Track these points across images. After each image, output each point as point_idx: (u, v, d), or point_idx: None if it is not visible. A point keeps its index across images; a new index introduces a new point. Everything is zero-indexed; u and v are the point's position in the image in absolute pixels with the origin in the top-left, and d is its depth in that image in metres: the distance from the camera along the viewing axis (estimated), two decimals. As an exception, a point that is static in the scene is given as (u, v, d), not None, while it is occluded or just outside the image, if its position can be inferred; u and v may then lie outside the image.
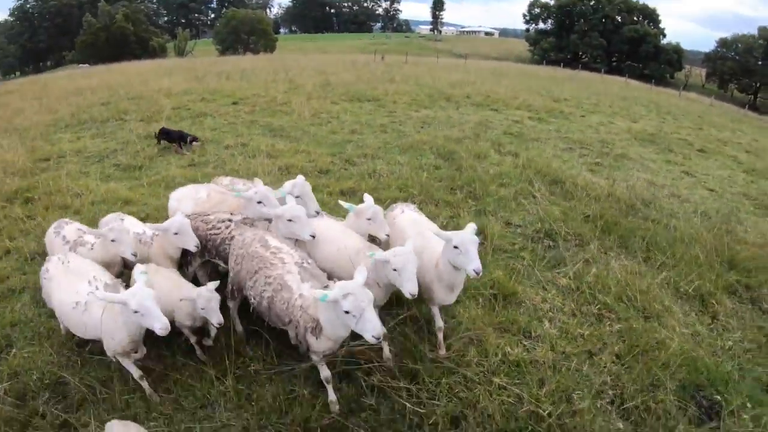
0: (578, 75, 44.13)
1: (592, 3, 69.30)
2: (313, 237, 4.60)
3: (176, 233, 4.68)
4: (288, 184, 5.21)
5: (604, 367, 4.93)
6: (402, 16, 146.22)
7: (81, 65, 54.97)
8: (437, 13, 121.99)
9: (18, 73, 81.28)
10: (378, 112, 16.20)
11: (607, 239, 7.41)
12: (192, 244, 4.69)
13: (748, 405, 4.69)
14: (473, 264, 4.00)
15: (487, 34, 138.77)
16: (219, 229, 4.96)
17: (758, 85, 66.53)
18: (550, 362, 4.88)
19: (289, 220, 4.62)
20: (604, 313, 5.72)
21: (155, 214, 7.55)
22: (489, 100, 19.95)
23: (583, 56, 70.81)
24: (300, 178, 5.34)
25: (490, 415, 4.26)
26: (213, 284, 4.52)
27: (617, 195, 9.20)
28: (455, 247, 4.07)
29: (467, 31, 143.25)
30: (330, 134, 12.91)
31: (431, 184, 9.09)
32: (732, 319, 5.95)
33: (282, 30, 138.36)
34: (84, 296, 4.13)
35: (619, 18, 70.82)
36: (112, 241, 4.68)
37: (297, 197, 5.11)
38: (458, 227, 7.26)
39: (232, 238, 4.78)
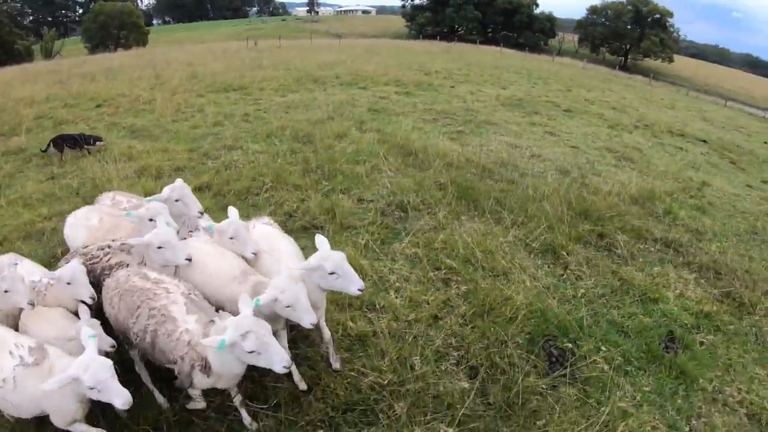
0: (453, 47, 45.56)
1: (467, -24, 71.03)
2: (189, 260, 4.16)
3: (69, 283, 3.99)
4: (166, 190, 4.79)
5: (450, 329, 5.05)
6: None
7: None
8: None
9: None
10: (243, 101, 15.71)
11: (459, 204, 7.60)
12: (87, 295, 3.98)
13: (602, 348, 5.01)
14: (356, 284, 3.81)
15: (364, 12, 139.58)
16: (98, 257, 4.42)
17: (628, 47, 71.98)
18: (393, 331, 4.93)
19: (160, 247, 4.14)
20: (451, 277, 5.83)
21: (13, 235, 6.78)
22: (358, 79, 20.01)
23: (459, 29, 73.05)
24: (178, 181, 4.91)
25: (333, 391, 4.26)
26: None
27: (474, 160, 9.53)
28: (331, 273, 3.80)
29: (344, 11, 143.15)
30: (192, 129, 12.21)
31: (285, 169, 8.83)
32: (584, 268, 6.33)
33: (155, 21, 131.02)
34: (9, 371, 3.42)
35: (493, -10, 73.29)
36: (6, 291, 3.91)
37: (177, 201, 4.79)
38: (308, 210, 7.29)
39: (112, 267, 4.30)
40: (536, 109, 16.45)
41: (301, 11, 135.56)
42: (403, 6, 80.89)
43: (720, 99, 43.82)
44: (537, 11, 76.25)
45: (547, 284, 5.92)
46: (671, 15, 71.01)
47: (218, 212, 6.97)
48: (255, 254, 4.38)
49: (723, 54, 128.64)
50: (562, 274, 6.22)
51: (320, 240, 4.01)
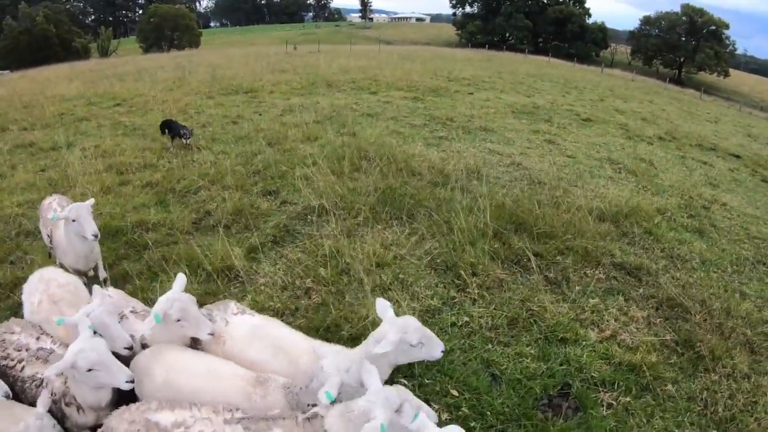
0: (496, 56, 44.21)
1: (518, -15, 69.54)
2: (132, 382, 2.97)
3: None
4: (67, 209, 4.25)
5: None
6: (334, 4, 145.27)
7: (2, 72, 51.47)
8: (366, 0, 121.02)
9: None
10: (247, 103, 15.43)
11: (383, 212, 6.83)
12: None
13: (451, 393, 4.01)
14: (440, 346, 3.10)
15: (418, 19, 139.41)
16: (13, 361, 3.32)
17: (682, 60, 68.42)
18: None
19: (90, 370, 2.86)
20: (314, 287, 5.25)
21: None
22: (372, 84, 19.35)
23: (510, 38, 71.15)
24: (85, 203, 4.33)
25: None
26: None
27: (436, 166, 8.57)
28: (413, 345, 3.01)
29: (398, 18, 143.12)
30: None
31: (233, 171, 8.47)
32: (489, 292, 5.30)
33: (213, 24, 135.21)
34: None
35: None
36: None
37: (74, 221, 4.22)
38: (224, 210, 6.93)
39: (25, 381, 3.23)
40: (549, 117, 15.14)
41: (356, 17, 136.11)
42: (454, 14, 79.79)
43: (776, 117, 40.59)
44: (589, 21, 73.73)
45: (428, 307, 4.99)
46: (727, 27, 67.34)
47: (156, 206, 7.27)
48: (212, 334, 3.26)
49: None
50: (454, 297, 5.17)
51: (383, 306, 3.16)
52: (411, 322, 3.02)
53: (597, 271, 5.82)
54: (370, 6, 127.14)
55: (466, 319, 4.83)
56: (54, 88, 20.81)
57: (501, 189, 7.89)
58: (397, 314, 3.12)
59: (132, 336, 3.33)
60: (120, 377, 2.80)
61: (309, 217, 6.79)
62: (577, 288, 5.47)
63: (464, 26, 74.85)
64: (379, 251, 5.75)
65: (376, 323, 4.17)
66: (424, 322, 4.50)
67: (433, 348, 3.04)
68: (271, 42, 65.86)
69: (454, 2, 79.59)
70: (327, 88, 18.53)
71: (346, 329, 4.51)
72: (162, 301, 3.18)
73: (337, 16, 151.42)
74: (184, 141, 10.18)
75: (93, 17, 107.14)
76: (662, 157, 12.68)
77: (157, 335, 3.28)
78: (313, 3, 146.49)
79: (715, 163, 13.33)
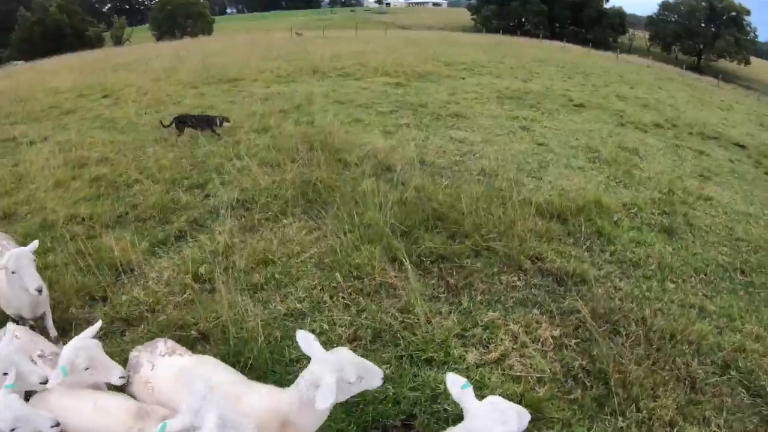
0: (507, 41, 42.85)
1: (534, -31, 67.56)
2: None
3: None
4: (5, 257, 3.66)
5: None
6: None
7: (16, 63, 51.73)
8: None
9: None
10: (227, 93, 14.90)
11: (302, 205, 6.39)
12: None
13: None
14: (379, 373, 2.73)
15: (435, 4, 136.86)
16: None
17: (701, 46, 65.91)
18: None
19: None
20: (191, 283, 4.79)
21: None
22: (360, 70, 18.55)
23: (526, 23, 69.24)
24: (26, 249, 3.73)
25: None
26: None
27: (380, 157, 7.82)
28: (355, 380, 2.62)
29: (415, 3, 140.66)
30: (151, 121, 11.50)
31: (170, 164, 8.16)
32: (354, 300, 4.65)
33: (229, 10, 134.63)
34: None
35: (561, -16, 69.38)
36: None
37: (13, 273, 3.63)
38: (149, 204, 6.63)
39: None
40: (537, 103, 14.16)
41: (373, 2, 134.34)
42: (470, -1, 77.97)
43: (797, 107, 38.63)
44: (607, 6, 71.23)
45: (293, 310, 4.45)
46: (748, 13, 64.49)
47: (94, 200, 6.95)
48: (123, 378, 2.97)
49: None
50: (326, 302, 4.56)
51: (306, 340, 2.71)
52: (345, 355, 2.63)
53: (514, 278, 4.98)
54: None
55: (326, 327, 4.16)
56: (53, 80, 20.54)
57: (441, 180, 7.09)
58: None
59: None
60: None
61: (222, 211, 6.24)
62: (479, 297, 4.66)
63: (479, 11, 72.93)
64: (270, 248, 5.28)
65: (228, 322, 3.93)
66: (282, 327, 4.15)
67: (373, 379, 2.67)
68: (286, 28, 65.22)
69: (469, -14, 77.69)
70: (312, 75, 17.85)
71: (194, 329, 4.11)
72: (67, 351, 2.85)
73: (354, 1, 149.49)
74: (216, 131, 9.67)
75: (109, 5, 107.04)
76: (652, 145, 11.66)
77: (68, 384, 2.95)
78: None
79: (713, 153, 12.25)
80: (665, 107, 18.20)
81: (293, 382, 2.61)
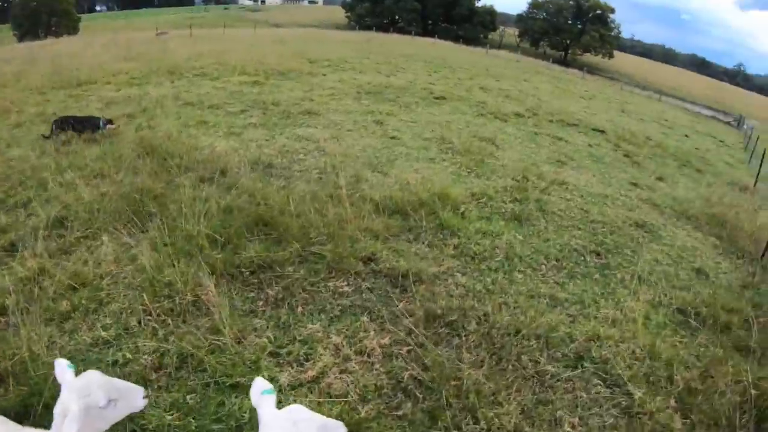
0: (379, 37, 43.19)
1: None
2: None
3: None
4: None
5: None
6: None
7: None
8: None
9: None
10: (75, 98, 13.17)
11: (125, 218, 5.55)
12: None
13: None
14: (140, 391, 2.41)
15: (311, 2, 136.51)
16: None
17: (568, 42, 70.73)
18: None
19: None
20: None
21: None
22: (218, 69, 17.44)
23: (399, 21, 70.55)
24: None
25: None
26: None
27: (217, 160, 7.18)
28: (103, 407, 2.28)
29: (291, 1, 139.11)
30: None
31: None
32: (175, 319, 4.11)
33: (99, 8, 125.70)
34: None
35: (435, -17, 71.54)
36: None
37: None
38: None
39: None
40: (396, 97, 14.10)
41: (248, 1, 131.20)
42: (345, -3, 78.35)
43: (655, 94, 42.25)
44: (478, 4, 74.89)
45: (97, 339, 3.85)
46: (612, 11, 71.23)
47: None
48: None
49: (669, 54, 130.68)
50: (134, 327, 3.98)
51: (58, 365, 2.36)
52: (92, 377, 2.34)
53: (342, 283, 4.55)
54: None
55: (129, 356, 3.58)
56: None
57: (276, 181, 6.59)
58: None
59: None
60: None
61: (41, 231, 5.36)
62: (300, 309, 4.19)
63: (353, 9, 73.38)
64: (83, 270, 4.56)
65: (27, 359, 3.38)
66: (84, 362, 3.55)
67: (133, 399, 2.41)
68: (156, 26, 61.80)
69: (343, -16, 77.95)
70: (168, 75, 16.48)
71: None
72: None
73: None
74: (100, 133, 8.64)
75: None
76: (511, 134, 11.94)
77: None
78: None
79: (572, 139, 12.79)
80: (527, 98, 19.01)
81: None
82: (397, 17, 71.30)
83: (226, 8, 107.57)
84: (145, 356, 3.61)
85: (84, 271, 4.56)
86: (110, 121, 8.98)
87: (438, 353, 3.72)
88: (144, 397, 2.43)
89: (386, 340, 3.87)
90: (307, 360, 3.65)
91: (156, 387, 3.33)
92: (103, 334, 3.83)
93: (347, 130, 9.84)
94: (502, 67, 33.06)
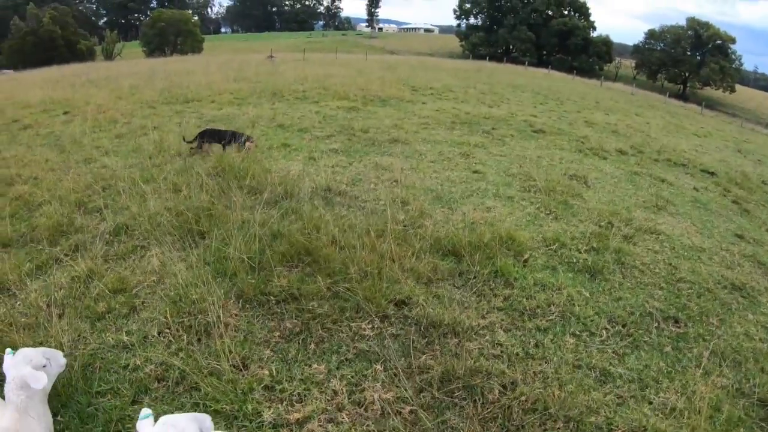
0: (489, 66, 42.71)
1: (522, -4, 68.22)
2: None
3: None
4: None
5: None
6: (345, 13, 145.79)
7: (5, 71, 51.69)
8: (372, 10, 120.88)
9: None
10: (181, 113, 14.34)
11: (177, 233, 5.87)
12: None
13: None
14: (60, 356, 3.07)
15: (426, 30, 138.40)
16: None
17: (687, 74, 66.40)
18: None
19: None
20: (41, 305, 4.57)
21: None
22: (320, 94, 18.06)
23: (513, 50, 69.70)
24: None
25: None
26: None
27: (285, 185, 7.25)
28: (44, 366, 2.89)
29: (408, 29, 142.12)
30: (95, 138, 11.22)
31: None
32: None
33: (224, 30, 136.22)
34: None
35: (549, 12, 69.78)
36: None
37: None
38: None
39: None
40: (491, 128, 13.56)
41: (365, 27, 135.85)
42: (458, 25, 78.65)
43: (781, 133, 38.39)
44: (594, 34, 72.06)
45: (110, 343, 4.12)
46: (733, 41, 65.80)
47: (6, 218, 6.62)
48: None
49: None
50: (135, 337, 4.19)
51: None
52: (27, 351, 2.85)
53: (367, 325, 4.23)
54: (377, 16, 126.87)
55: (139, 363, 3.86)
56: (27, 92, 20.26)
57: (338, 210, 6.45)
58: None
59: None
60: None
61: (107, 236, 5.91)
62: (312, 346, 3.99)
63: (468, 38, 73.51)
64: (126, 276, 4.94)
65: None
66: (103, 360, 3.86)
67: (57, 358, 2.99)
68: (277, 49, 65.46)
69: (458, 13, 78.30)
70: (270, 97, 17.38)
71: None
72: None
73: (347, 25, 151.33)
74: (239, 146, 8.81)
75: (105, 19, 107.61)
76: (607, 173, 10.94)
77: None
78: (323, 12, 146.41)
79: (676, 181, 11.52)
80: (635, 133, 17.69)
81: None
82: (511, 47, 70.49)
83: (343, 34, 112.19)
84: (152, 366, 3.71)
85: (128, 278, 4.85)
86: (249, 139, 9.17)
87: (443, 420, 3.27)
88: (62, 357, 2.97)
89: (390, 395, 3.47)
90: (299, 401, 3.41)
91: (153, 397, 3.43)
92: (125, 338, 4.02)
93: (429, 161, 9.47)
94: (614, 100, 31.35)
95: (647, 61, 69.55)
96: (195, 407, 3.30)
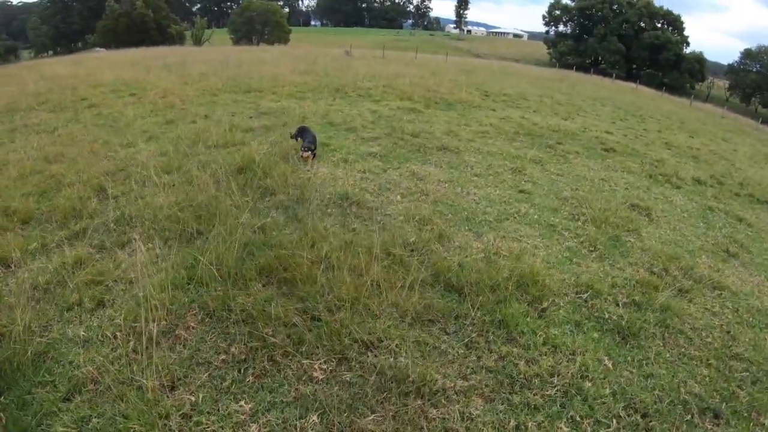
0: (573, 77, 40.49)
1: (614, 6, 64.51)
2: None
3: None
4: None
5: None
6: (434, 14, 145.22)
7: (97, 49, 55.25)
8: (461, 11, 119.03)
9: (51, 52, 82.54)
10: (239, 103, 14.22)
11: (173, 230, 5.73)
12: None
13: None
14: None
15: (515, 36, 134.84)
16: None
17: (785, 100, 60.94)
18: None
19: None
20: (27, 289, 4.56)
21: None
22: (385, 93, 17.39)
23: (601, 61, 66.44)
24: None
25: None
26: None
27: (304, 189, 6.76)
28: None
29: (496, 32, 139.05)
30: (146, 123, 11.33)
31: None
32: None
33: (313, 23, 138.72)
34: None
35: (641, 23, 65.89)
36: None
37: None
38: None
39: None
40: (557, 143, 12.36)
41: (453, 28, 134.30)
42: (547, 32, 75.94)
43: None
44: (687, 50, 67.42)
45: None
46: (838, 65, 59.16)
47: (36, 195, 6.90)
48: None
49: None
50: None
51: None
52: None
53: (321, 366, 3.65)
54: (465, 18, 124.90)
55: (81, 363, 3.73)
56: (103, 72, 21.08)
57: (351, 221, 5.89)
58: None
59: None
60: None
61: (111, 225, 5.87)
62: (249, 378, 3.60)
63: (556, 45, 70.84)
64: (108, 269, 4.88)
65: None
66: (56, 351, 3.80)
67: None
68: (362, 45, 65.52)
69: (547, 20, 75.54)
70: (332, 93, 16.89)
71: None
72: None
73: (436, 25, 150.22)
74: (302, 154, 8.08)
75: (199, 5, 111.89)
76: (677, 205, 9.50)
77: None
78: (412, 11, 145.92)
79: (756, 222, 9.72)
80: (718, 161, 15.83)
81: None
82: (599, 58, 67.20)
83: (431, 35, 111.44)
84: (91, 367, 3.53)
85: (108, 271, 4.74)
86: (309, 149, 8.12)
87: None
88: None
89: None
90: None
91: (83, 399, 3.31)
92: (83, 333, 3.90)
93: (473, 174, 8.58)
94: (702, 122, 28.77)
95: (741, 83, 64.06)
96: (110, 420, 3.12)
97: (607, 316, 4.70)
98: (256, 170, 7.02)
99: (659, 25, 67.06)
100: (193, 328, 3.93)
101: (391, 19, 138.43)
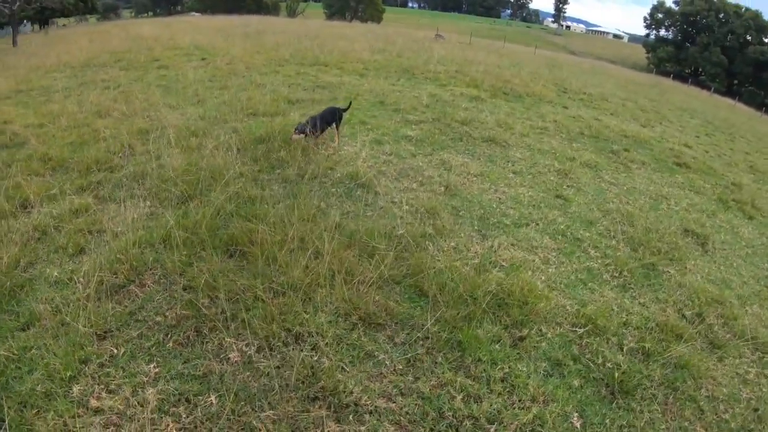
0: (667, 84, 37.57)
1: (721, 15, 59.36)
2: None
3: None
4: None
5: None
6: (534, 6, 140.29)
7: (193, 13, 57.46)
8: (560, 5, 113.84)
9: (150, 14, 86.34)
10: (302, 75, 14.06)
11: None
12: None
13: None
14: None
15: (615, 36, 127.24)
16: None
17: None
18: None
19: None
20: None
21: None
22: (454, 78, 16.56)
23: (702, 73, 61.57)
24: None
25: None
26: None
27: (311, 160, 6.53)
28: None
29: (596, 31, 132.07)
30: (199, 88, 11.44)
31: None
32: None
33: (411, 5, 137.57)
34: None
35: (747, 36, 60.24)
36: None
37: None
38: None
39: None
40: (624, 150, 11.13)
41: (551, 22, 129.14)
42: (647, 35, 71.20)
43: None
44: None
45: None
46: None
47: (76, 146, 7.20)
48: None
49: None
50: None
51: None
52: None
53: (238, 346, 3.48)
54: (564, 13, 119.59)
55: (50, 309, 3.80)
56: (184, 36, 21.91)
57: (353, 206, 5.59)
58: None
59: None
60: None
61: (123, 181, 6.07)
62: (171, 346, 3.53)
63: (655, 50, 66.34)
64: (99, 219, 5.06)
65: None
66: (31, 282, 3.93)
67: None
68: (455, 30, 64.05)
69: (648, 22, 70.73)
70: (398, 73, 16.31)
71: None
72: None
73: (534, 18, 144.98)
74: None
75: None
76: (742, 237, 8.14)
77: None
78: (511, 1, 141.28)
79: None
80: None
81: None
82: (700, 69, 62.18)
83: (528, 26, 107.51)
84: (43, 306, 3.70)
85: (98, 222, 4.87)
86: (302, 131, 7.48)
87: None
88: None
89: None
90: (109, 392, 3.11)
91: (30, 334, 3.45)
92: (56, 274, 4.06)
93: (512, 171, 7.83)
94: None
95: None
96: (42, 354, 3.28)
97: (600, 361, 3.83)
98: (275, 142, 6.78)
99: (767, 41, 61.11)
100: (147, 286, 3.93)
101: (489, 8, 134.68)
